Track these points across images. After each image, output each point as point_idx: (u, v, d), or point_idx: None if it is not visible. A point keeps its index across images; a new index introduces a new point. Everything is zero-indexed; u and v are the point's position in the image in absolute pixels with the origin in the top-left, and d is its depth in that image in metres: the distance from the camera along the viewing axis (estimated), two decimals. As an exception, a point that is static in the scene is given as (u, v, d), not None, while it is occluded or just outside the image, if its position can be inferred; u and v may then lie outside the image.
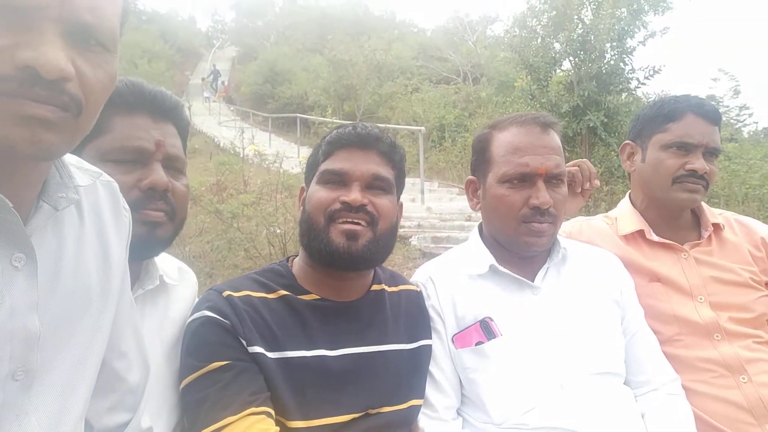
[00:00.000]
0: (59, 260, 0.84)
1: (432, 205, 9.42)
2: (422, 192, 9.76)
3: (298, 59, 25.31)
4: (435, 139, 15.23)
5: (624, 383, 1.51)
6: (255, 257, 6.12)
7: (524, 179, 1.47)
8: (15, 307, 0.75)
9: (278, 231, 6.17)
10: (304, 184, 1.46)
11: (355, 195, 1.29)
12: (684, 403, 1.51)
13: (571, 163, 1.74)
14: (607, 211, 1.96)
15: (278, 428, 1.14)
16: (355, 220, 1.29)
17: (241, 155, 10.80)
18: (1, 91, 0.65)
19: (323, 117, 14.71)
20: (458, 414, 1.47)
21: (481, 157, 1.58)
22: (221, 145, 15.05)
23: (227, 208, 6.36)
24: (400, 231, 7.52)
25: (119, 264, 0.97)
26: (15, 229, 0.74)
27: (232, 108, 25.67)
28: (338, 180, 1.33)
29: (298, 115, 16.99)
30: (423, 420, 1.41)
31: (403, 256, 6.56)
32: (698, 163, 1.66)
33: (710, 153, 1.69)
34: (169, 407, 1.21)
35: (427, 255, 6.48)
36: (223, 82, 29.59)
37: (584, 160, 1.77)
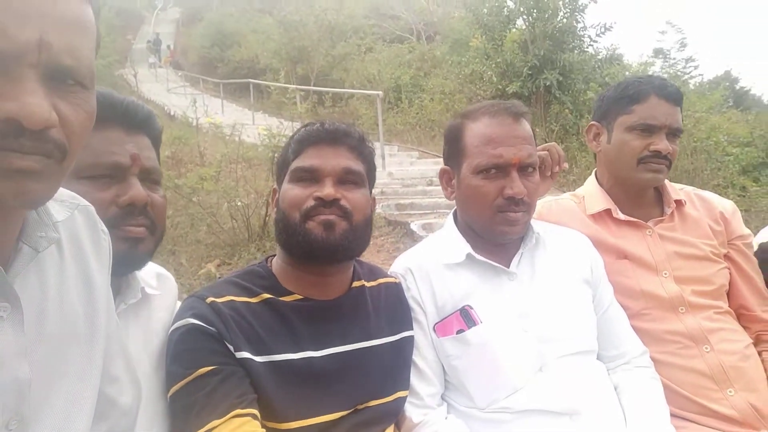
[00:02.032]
0: (44, 302, 0.82)
1: (393, 170, 9.43)
2: (383, 157, 9.73)
3: (247, 20, 24.46)
4: (391, 101, 15.09)
5: (597, 358, 1.58)
6: (218, 232, 6.02)
7: (498, 170, 1.49)
8: (3, 357, 0.73)
9: (240, 204, 6.07)
10: (275, 185, 1.45)
11: (328, 190, 1.30)
12: (653, 375, 1.61)
13: (540, 147, 1.77)
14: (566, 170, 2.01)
15: (264, 431, 1.16)
16: (330, 214, 1.31)
17: (195, 126, 10.47)
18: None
19: (276, 81, 14.32)
20: (443, 399, 1.52)
21: (454, 147, 1.60)
22: (172, 113, 14.54)
23: (186, 183, 6.18)
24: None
25: (103, 291, 0.95)
26: None
27: (180, 74, 24.72)
28: (310, 177, 1.34)
29: (250, 80, 16.55)
30: (409, 409, 1.45)
31: (368, 224, 6.55)
32: (662, 144, 1.72)
33: (673, 133, 1.75)
34: (160, 418, 1.21)
35: (392, 223, 6.52)
36: (168, 46, 28.39)
37: (553, 143, 1.80)
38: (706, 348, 1.64)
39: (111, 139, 1.13)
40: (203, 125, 10.13)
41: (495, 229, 1.53)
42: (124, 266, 1.13)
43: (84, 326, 0.89)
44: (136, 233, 1.14)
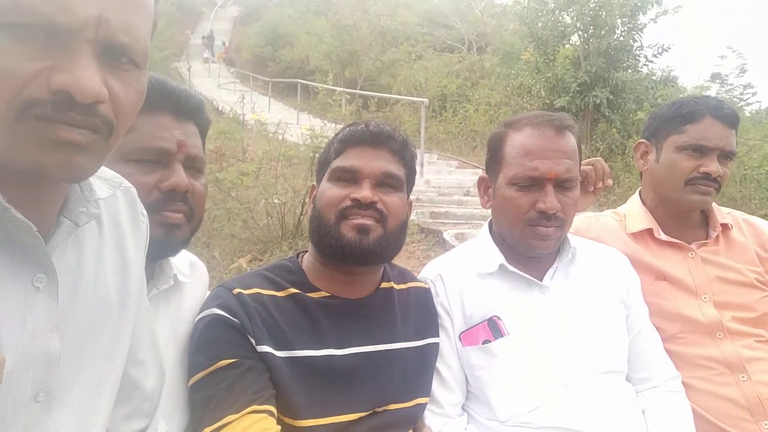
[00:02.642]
0: (79, 277, 0.83)
1: (431, 178, 9.38)
2: (421, 165, 9.70)
3: (301, 22, 24.75)
4: (436, 109, 15.06)
5: (626, 380, 1.53)
6: (252, 227, 6.10)
7: (533, 182, 1.46)
8: (36, 329, 0.74)
9: (276, 201, 6.13)
10: (314, 183, 1.45)
11: (365, 192, 1.29)
12: (683, 400, 1.55)
13: (585, 161, 1.73)
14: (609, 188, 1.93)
15: (279, 427, 1.15)
16: (365, 217, 1.30)
17: (241, 122, 10.66)
18: (36, 115, 0.64)
19: (324, 83, 14.48)
20: (463, 410, 1.50)
21: (494, 156, 1.57)
22: (220, 108, 14.87)
23: (227, 177, 6.29)
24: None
25: (137, 272, 0.96)
26: (38, 250, 0.73)
27: (231, 70, 25.27)
28: (349, 177, 1.33)
29: (299, 80, 16.76)
30: (428, 416, 1.43)
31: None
32: (712, 167, 1.65)
33: (725, 156, 1.69)
34: (182, 406, 1.22)
35: (425, 230, 6.48)
36: (223, 43, 29.07)
37: (599, 159, 1.76)
38: (743, 377, 1.57)
39: (160, 125, 1.15)
40: (249, 122, 10.30)
41: (525, 242, 1.50)
42: (159, 251, 1.15)
43: (116, 305, 0.90)
44: (174, 219, 1.16)
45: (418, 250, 6.07)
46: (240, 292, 1.27)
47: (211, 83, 21.19)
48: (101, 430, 0.87)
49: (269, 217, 6.09)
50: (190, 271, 1.36)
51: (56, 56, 0.64)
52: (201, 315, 1.27)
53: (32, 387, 0.75)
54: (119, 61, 0.71)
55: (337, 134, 1.42)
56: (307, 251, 1.45)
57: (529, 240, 1.49)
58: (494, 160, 1.57)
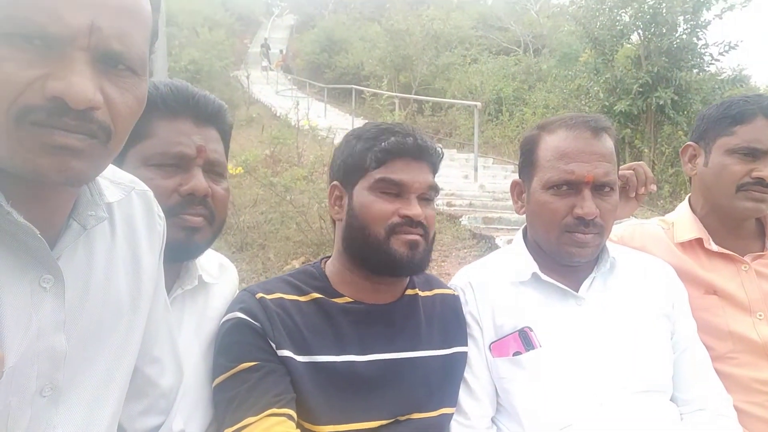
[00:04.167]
0: (89, 277, 0.86)
1: (485, 183, 9.25)
2: (476, 169, 9.61)
3: (356, 28, 25.09)
4: (492, 113, 14.89)
5: (671, 400, 1.45)
6: (306, 231, 6.21)
7: (570, 187, 1.40)
8: (42, 327, 0.77)
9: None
10: (337, 182, 1.39)
11: (417, 210, 1.30)
12: (734, 425, 1.44)
13: (626, 165, 1.66)
14: (671, 194, 1.84)
15: (299, 431, 1.16)
16: (415, 234, 1.31)
17: (296, 128, 10.88)
18: (32, 121, 0.67)
19: (379, 88, 14.57)
20: (493, 422, 1.45)
21: (527, 159, 1.53)
22: (278, 114, 15.22)
23: (281, 182, 6.44)
24: (450, 210, 7.46)
25: (151, 273, 0.99)
26: (42, 252, 0.76)
27: (289, 77, 25.86)
28: (396, 191, 1.31)
29: (353, 86, 16.95)
30: (456, 428, 1.40)
31: (452, 236, 6.50)
32: (766, 171, 1.54)
33: None
34: (204, 405, 1.25)
35: (477, 236, 6.39)
36: (281, 51, 29.78)
37: (641, 163, 1.68)
38: (802, 404, 1.45)
39: (180, 130, 1.18)
40: (303, 127, 10.51)
41: (562, 250, 1.44)
42: (180, 254, 1.18)
43: (127, 305, 0.93)
44: (194, 222, 1.18)
45: (470, 255, 5.99)
46: (262, 297, 1.29)
47: (270, 90, 21.80)
48: (108, 425, 0.90)
49: (322, 221, 6.19)
50: (219, 273, 1.39)
51: (51, 64, 0.67)
52: (225, 318, 1.29)
53: (37, 382, 0.78)
54: (116, 67, 0.73)
55: (376, 140, 1.34)
56: (330, 257, 1.45)
57: (566, 247, 1.43)
58: (528, 163, 1.52)
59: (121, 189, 0.93)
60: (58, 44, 0.67)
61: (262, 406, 1.15)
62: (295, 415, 1.19)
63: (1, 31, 0.65)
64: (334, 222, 1.44)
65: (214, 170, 1.24)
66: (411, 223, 1.29)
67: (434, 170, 1.40)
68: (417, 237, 1.30)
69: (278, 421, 1.14)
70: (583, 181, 1.38)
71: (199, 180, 1.18)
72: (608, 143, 1.44)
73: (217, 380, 1.23)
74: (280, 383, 1.20)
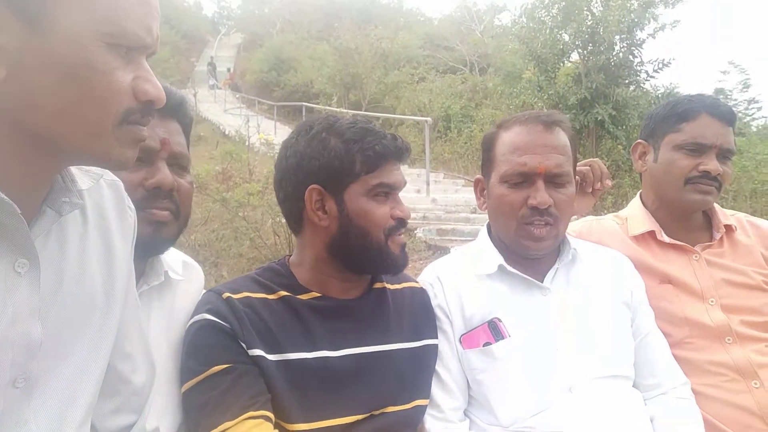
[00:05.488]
0: (62, 265, 0.83)
1: (437, 197, 9.40)
2: (428, 183, 9.74)
3: (304, 47, 25.14)
4: (441, 130, 15.15)
5: (633, 386, 1.49)
6: (260, 246, 6.12)
7: (524, 179, 1.45)
8: (17, 314, 0.74)
9: (283, 220, 6.14)
10: (317, 186, 1.29)
11: (407, 211, 1.35)
12: (694, 408, 1.50)
13: (582, 162, 1.72)
14: (614, 204, 1.93)
15: (277, 431, 1.14)
16: (403, 233, 1.37)
17: (247, 144, 10.76)
18: (130, 121, 0.78)
19: (329, 105, 14.61)
20: (465, 415, 1.46)
21: (486, 157, 1.58)
22: (227, 132, 15.02)
23: (233, 197, 6.33)
24: (405, 223, 7.50)
25: (124, 265, 0.96)
26: (20, 234, 0.73)
27: (237, 95, 25.58)
28: (387, 193, 1.33)
29: (303, 103, 16.92)
30: (429, 421, 1.40)
31: (408, 247, 6.50)
32: (711, 164, 1.63)
33: (724, 154, 1.67)
34: (174, 405, 1.21)
35: (432, 247, 6.47)
36: (228, 69, 29.48)
37: (596, 159, 1.75)
38: (756, 383, 1.52)
39: None
40: (254, 144, 10.40)
41: (519, 243, 1.49)
42: (147, 249, 1.15)
43: (101, 296, 0.90)
44: (161, 217, 1.16)
45: (426, 266, 6.04)
46: (229, 297, 1.25)
47: (218, 108, 21.45)
48: (81, 420, 0.86)
49: (276, 236, 6.11)
50: (184, 271, 1.35)
51: (135, 69, 0.77)
52: (191, 321, 1.25)
53: (10, 372, 0.75)
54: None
55: (358, 140, 1.29)
56: (291, 255, 1.43)
57: (523, 241, 1.47)
58: (487, 160, 1.57)
59: (90, 177, 0.91)
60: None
61: (239, 409, 1.12)
62: (272, 416, 1.16)
63: (107, 41, 0.72)
64: (293, 230, 1.40)
65: (179, 163, 1.22)
66: (403, 224, 1.34)
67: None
68: (404, 238, 1.36)
69: (256, 424, 1.12)
70: (536, 172, 1.43)
71: (165, 173, 1.16)
72: (561, 136, 1.49)
73: (187, 385, 1.19)
74: (254, 384, 1.17)
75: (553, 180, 1.45)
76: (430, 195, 9.42)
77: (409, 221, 1.41)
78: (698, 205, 1.70)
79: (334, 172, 1.28)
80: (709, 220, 1.79)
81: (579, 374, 1.39)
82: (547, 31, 11.75)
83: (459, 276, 1.55)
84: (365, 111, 15.73)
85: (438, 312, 1.50)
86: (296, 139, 1.34)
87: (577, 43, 11.34)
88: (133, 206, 1.02)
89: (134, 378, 1.02)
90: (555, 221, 1.45)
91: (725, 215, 1.78)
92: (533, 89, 12.10)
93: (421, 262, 6.14)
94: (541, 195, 1.42)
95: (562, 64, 11.66)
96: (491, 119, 14.04)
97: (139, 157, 1.12)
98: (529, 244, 1.47)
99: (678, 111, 1.71)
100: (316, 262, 1.35)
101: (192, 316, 1.26)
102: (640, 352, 1.52)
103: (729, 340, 1.58)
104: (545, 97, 11.52)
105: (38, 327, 0.77)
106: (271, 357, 1.22)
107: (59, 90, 0.70)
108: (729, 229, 1.75)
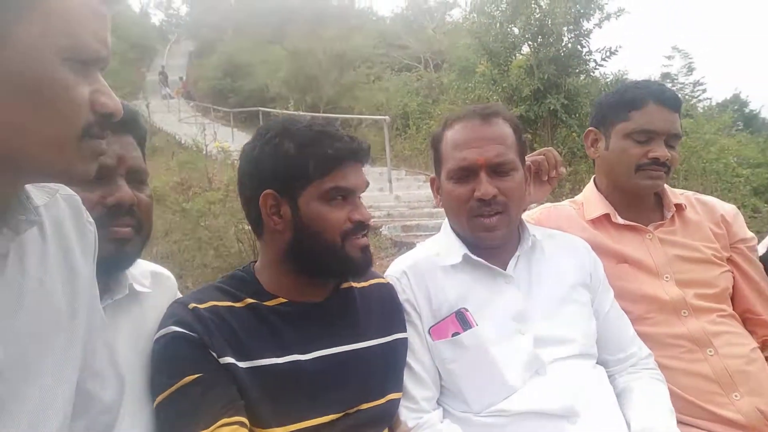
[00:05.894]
0: (22, 285, 0.81)
1: (400, 194, 9.45)
2: (390, 181, 9.78)
3: (258, 52, 24.83)
4: (399, 127, 15.21)
5: (600, 363, 1.55)
6: (225, 255, 6.02)
7: (467, 173, 1.50)
8: None
9: (247, 227, 6.09)
10: (271, 191, 1.28)
11: (367, 213, 1.34)
12: (660, 376, 1.57)
13: (536, 151, 1.77)
14: (572, 190, 1.99)
15: None
16: (365, 236, 1.34)
17: (204, 153, 10.60)
18: (90, 135, 0.77)
19: (286, 109, 14.52)
20: (438, 404, 1.49)
21: (435, 156, 1.63)
22: (183, 142, 14.73)
23: (194, 207, 6.23)
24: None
25: (86, 281, 0.94)
26: None
27: (191, 104, 25.10)
28: (344, 195, 1.31)
29: (260, 108, 16.75)
30: (404, 413, 1.42)
31: (374, 246, 6.56)
32: (660, 151, 1.70)
33: (671, 140, 1.74)
34: (145, 418, 1.19)
35: (397, 244, 6.51)
36: (180, 78, 28.93)
37: (550, 148, 1.80)
38: (710, 352, 1.61)
39: None
40: (212, 152, 10.25)
41: (474, 235, 1.53)
42: (111, 266, 1.14)
43: (66, 314, 0.88)
44: (123, 234, 1.15)
45: (392, 263, 6.07)
46: (195, 307, 1.24)
47: (172, 118, 20.99)
48: None
49: (240, 243, 6.04)
50: (153, 281, 1.33)
51: (93, 82, 0.76)
52: (158, 334, 1.23)
53: None
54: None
55: (310, 144, 1.27)
56: (256, 261, 1.42)
57: (476, 233, 1.52)
58: (436, 159, 1.62)
59: (46, 192, 0.88)
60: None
61: (213, 417, 1.12)
62: (246, 421, 1.16)
63: (65, 56, 0.71)
64: (256, 234, 1.40)
65: (137, 178, 1.20)
66: (362, 227, 1.32)
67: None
68: (366, 240, 1.33)
69: (231, 430, 1.11)
70: (477, 164, 1.48)
71: (124, 190, 1.14)
72: (500, 127, 1.53)
73: (159, 398, 1.17)
74: (227, 392, 1.17)
75: (496, 169, 1.49)
76: (393, 192, 9.47)
77: (373, 220, 1.40)
78: (649, 189, 1.78)
79: (288, 177, 1.27)
80: (660, 200, 1.87)
81: (545, 357, 1.44)
82: (498, 25, 11.92)
83: (425, 269, 1.57)
84: (323, 113, 15.68)
85: (406, 306, 1.53)
86: (253, 144, 1.34)
87: (527, 35, 11.53)
88: (92, 220, 1.00)
89: (104, 395, 0.99)
90: (505, 208, 1.49)
91: (675, 195, 1.86)
92: (487, 83, 12.25)
93: (388, 259, 6.17)
94: (484, 187, 1.46)
95: (513, 57, 11.85)
96: (449, 114, 14.18)
97: (96, 175, 1.11)
98: (482, 234, 1.51)
99: (626, 99, 1.77)
100: (278, 266, 1.35)
101: (158, 330, 1.24)
102: (605, 330, 1.58)
103: (685, 313, 1.66)
104: (499, 90, 11.69)
105: (0, 350, 0.75)
106: (241, 364, 1.21)
107: (16, 104, 0.69)
108: (679, 207, 1.82)
